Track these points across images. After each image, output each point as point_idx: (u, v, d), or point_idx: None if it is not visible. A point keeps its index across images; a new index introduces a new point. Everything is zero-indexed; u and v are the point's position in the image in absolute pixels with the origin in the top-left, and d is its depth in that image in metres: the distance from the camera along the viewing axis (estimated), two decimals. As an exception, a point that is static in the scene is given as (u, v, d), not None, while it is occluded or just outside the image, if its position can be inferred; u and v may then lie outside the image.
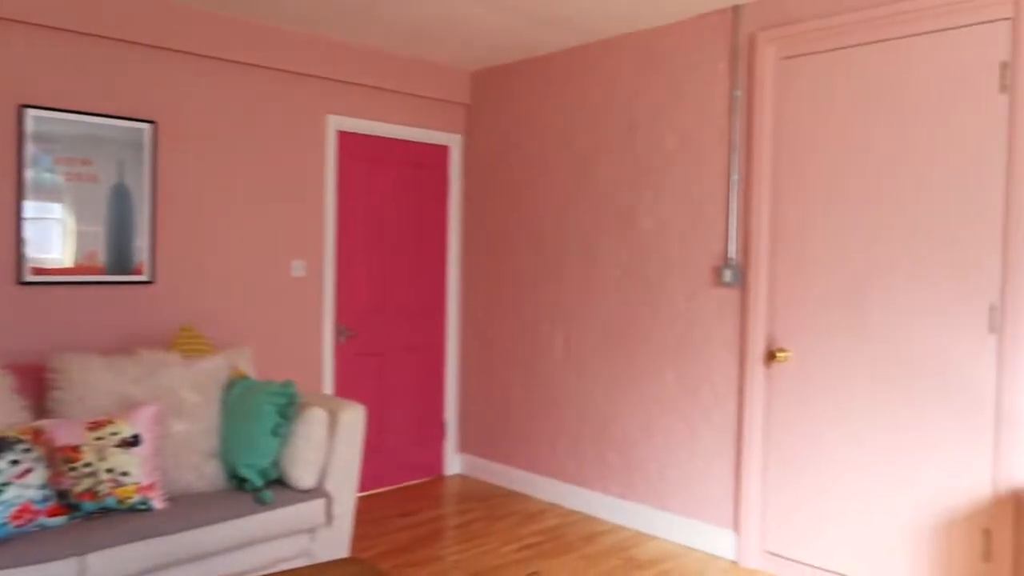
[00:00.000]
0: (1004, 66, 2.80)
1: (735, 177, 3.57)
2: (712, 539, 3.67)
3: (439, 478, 4.87)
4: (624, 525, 4.05)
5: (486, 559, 3.57)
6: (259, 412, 3.01)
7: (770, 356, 3.46)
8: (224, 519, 2.80)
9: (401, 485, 4.72)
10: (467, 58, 4.56)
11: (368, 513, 4.19)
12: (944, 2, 2.91)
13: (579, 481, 4.28)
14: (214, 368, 3.14)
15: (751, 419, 3.50)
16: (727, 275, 3.57)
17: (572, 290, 4.30)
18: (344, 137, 4.38)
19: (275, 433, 3.00)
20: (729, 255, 3.59)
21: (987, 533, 2.86)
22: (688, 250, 3.76)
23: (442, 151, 4.87)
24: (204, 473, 2.98)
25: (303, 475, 3.03)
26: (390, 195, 4.62)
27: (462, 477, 4.90)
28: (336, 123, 4.31)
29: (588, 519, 4.15)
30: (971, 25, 2.88)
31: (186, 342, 3.36)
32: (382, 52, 4.41)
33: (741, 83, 3.55)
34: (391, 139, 4.60)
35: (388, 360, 4.64)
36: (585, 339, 4.24)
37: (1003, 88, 2.81)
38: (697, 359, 3.73)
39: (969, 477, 2.89)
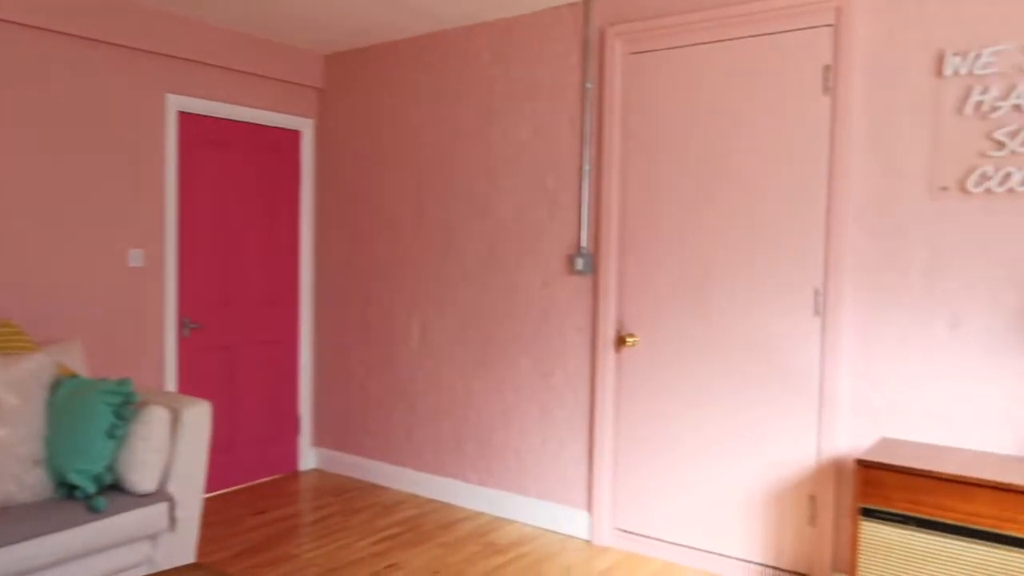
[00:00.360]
0: (827, 69, 3.04)
1: (587, 168, 3.66)
2: (567, 520, 3.78)
3: (294, 474, 4.73)
4: (482, 511, 4.09)
5: (342, 554, 3.50)
6: (91, 413, 2.79)
7: (620, 341, 3.59)
8: (50, 531, 2.57)
9: (254, 483, 4.53)
10: (321, 40, 4.41)
11: (218, 515, 4.00)
12: (774, 7, 3.11)
13: (437, 470, 4.28)
14: (36, 367, 2.87)
15: (602, 402, 3.62)
16: (579, 263, 3.67)
17: (429, 278, 4.28)
18: (186, 119, 4.13)
19: (110, 435, 2.79)
20: (582, 244, 3.69)
21: (812, 499, 3.11)
22: (543, 239, 3.84)
23: (294, 136, 4.70)
24: (26, 483, 2.73)
25: (142, 478, 2.84)
26: (238, 181, 4.40)
27: (318, 472, 4.77)
28: (177, 103, 4.05)
29: (446, 507, 4.16)
30: (798, 30, 3.09)
31: (3, 339, 3.06)
32: (229, 30, 4.18)
33: (592, 76, 3.65)
34: (239, 122, 4.38)
35: (237, 353, 4.44)
36: (443, 327, 4.24)
37: (826, 90, 3.04)
38: (551, 345, 3.82)
39: (797, 448, 3.13)
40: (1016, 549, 2.33)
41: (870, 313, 2.98)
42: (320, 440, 4.83)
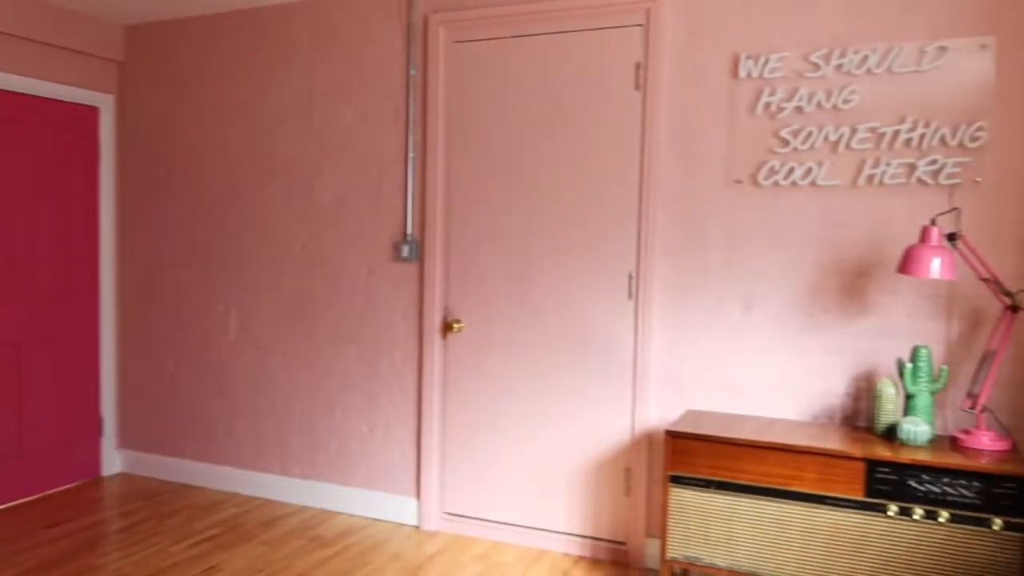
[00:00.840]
0: (638, 66, 3.23)
1: (412, 155, 3.66)
2: (396, 508, 3.77)
3: (96, 480, 4.35)
4: (308, 505, 3.98)
5: (155, 561, 3.28)
6: None
7: (446, 327, 3.62)
8: None
9: (48, 493, 4.13)
10: (121, 9, 4.06)
11: (5, 530, 3.60)
12: (588, 5, 3.26)
13: (259, 466, 4.12)
14: None
15: (429, 388, 3.64)
16: (405, 250, 3.66)
17: (248, 267, 4.09)
18: (-43, 87, 3.66)
19: None
20: (408, 231, 3.68)
21: (628, 471, 3.32)
22: (368, 226, 3.78)
23: (91, 113, 4.30)
24: None
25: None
26: (25, 160, 3.97)
27: (125, 476, 4.42)
28: (-55, 69, 3.59)
29: (269, 504, 4.01)
30: (612, 28, 3.26)
31: None
32: (7, -10, 3.75)
33: (417, 62, 3.64)
34: (26, 95, 3.94)
35: (24, 352, 4.01)
36: (263, 318, 4.07)
37: (637, 86, 3.23)
38: (377, 333, 3.78)
39: (615, 424, 3.32)
40: (800, 503, 2.62)
41: (678, 295, 3.21)
42: (126, 442, 4.49)
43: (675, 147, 3.19)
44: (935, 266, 2.48)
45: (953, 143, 2.78)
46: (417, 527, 3.72)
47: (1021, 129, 2.71)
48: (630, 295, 3.27)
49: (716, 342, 3.16)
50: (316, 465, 3.97)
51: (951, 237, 2.56)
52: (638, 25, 3.21)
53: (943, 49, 2.78)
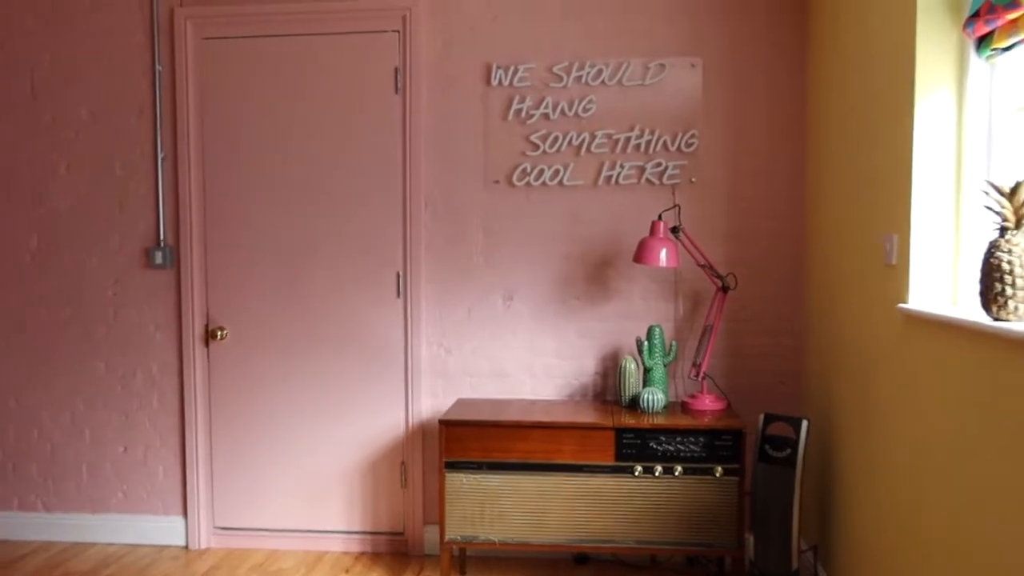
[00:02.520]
0: (397, 71, 3.33)
1: (162, 155, 3.46)
2: (161, 530, 3.55)
3: None
4: (54, 540, 3.61)
5: None
6: None
7: (209, 335, 3.48)
8: None
9: None
10: None
11: None
12: (346, 8, 3.31)
13: (-10, 504, 3.66)
14: None
15: (192, 400, 3.48)
16: (158, 257, 3.45)
17: (-35, 281, 3.61)
18: None
19: None
20: (161, 237, 3.47)
21: (404, 464, 3.42)
22: (114, 232, 3.51)
23: None
24: None
25: None
26: None
27: None
28: None
29: (4, 545, 3.58)
30: (371, 32, 3.33)
31: None
32: None
33: (164, 58, 3.44)
34: None
35: None
36: (-13, 338, 3.62)
37: (397, 90, 3.33)
38: (130, 345, 3.53)
39: (389, 420, 3.41)
40: (562, 473, 2.89)
41: (444, 291, 3.37)
42: None
43: (436, 149, 3.35)
44: (663, 255, 2.86)
45: (673, 148, 3.22)
46: (186, 547, 3.53)
47: (722, 138, 3.20)
48: (399, 293, 3.38)
49: (482, 333, 3.37)
50: (62, 495, 3.61)
51: (674, 230, 2.98)
52: (395, 31, 3.32)
53: (663, 66, 3.20)
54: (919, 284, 2.08)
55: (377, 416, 3.42)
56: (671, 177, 3.22)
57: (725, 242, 3.21)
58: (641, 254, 2.90)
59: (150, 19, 3.44)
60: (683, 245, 3.03)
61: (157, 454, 3.55)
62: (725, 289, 3.00)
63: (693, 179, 3.21)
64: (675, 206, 3.05)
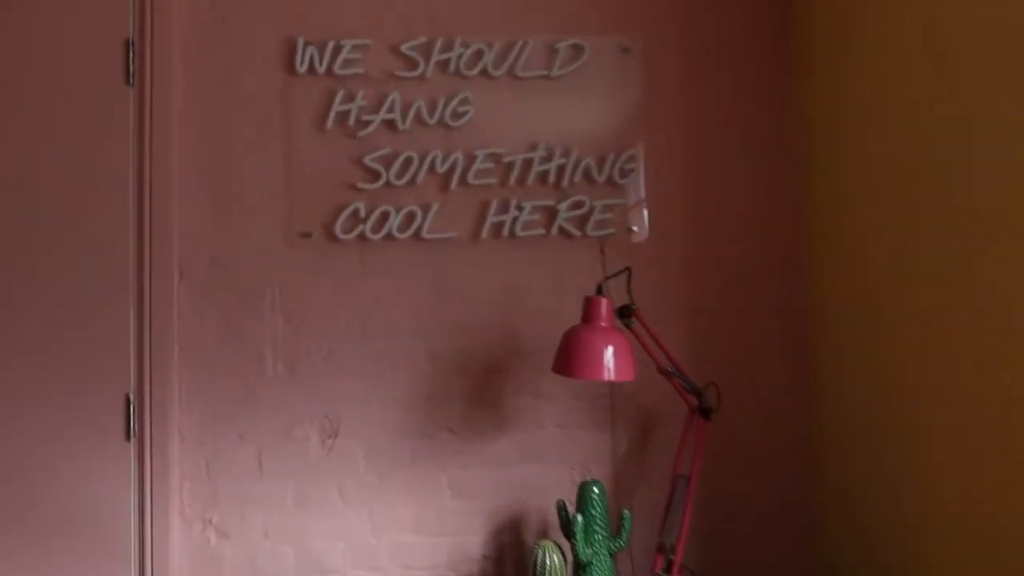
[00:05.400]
0: (129, 47, 1.92)
1: None
2: None
3: None
4: None
5: None
6: None
7: None
8: None
9: None
10: None
11: None
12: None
13: None
14: None
15: None
16: None
17: None
18: None
19: None
20: None
21: None
22: None
23: None
24: None
25: None
26: None
27: None
28: None
29: None
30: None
31: None
32: None
33: None
34: None
35: None
36: None
37: (129, 79, 1.91)
38: None
39: (108, 670, 1.84)
40: None
41: (213, 424, 1.90)
42: None
43: (201, 179, 1.94)
44: (609, 361, 1.55)
45: (601, 178, 1.97)
46: None
47: (680, 160, 2.00)
48: (130, 433, 1.87)
49: (282, 497, 1.91)
50: None
51: (624, 312, 1.68)
52: (128, -17, 1.92)
53: (578, 48, 1.98)
54: None
55: (86, 663, 1.85)
56: (600, 225, 1.96)
57: (690, 329, 1.97)
58: (570, 361, 1.58)
59: None
60: (636, 336, 1.73)
61: None
62: (705, 412, 1.73)
63: (634, 227, 1.98)
64: (625, 270, 1.74)
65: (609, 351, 1.55)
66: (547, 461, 1.94)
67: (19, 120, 1.88)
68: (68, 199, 1.87)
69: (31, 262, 1.85)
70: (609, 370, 1.53)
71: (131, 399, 1.87)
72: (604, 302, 1.61)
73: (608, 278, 1.69)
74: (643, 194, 1.98)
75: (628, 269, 1.70)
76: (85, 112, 1.89)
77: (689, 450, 1.74)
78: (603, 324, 1.60)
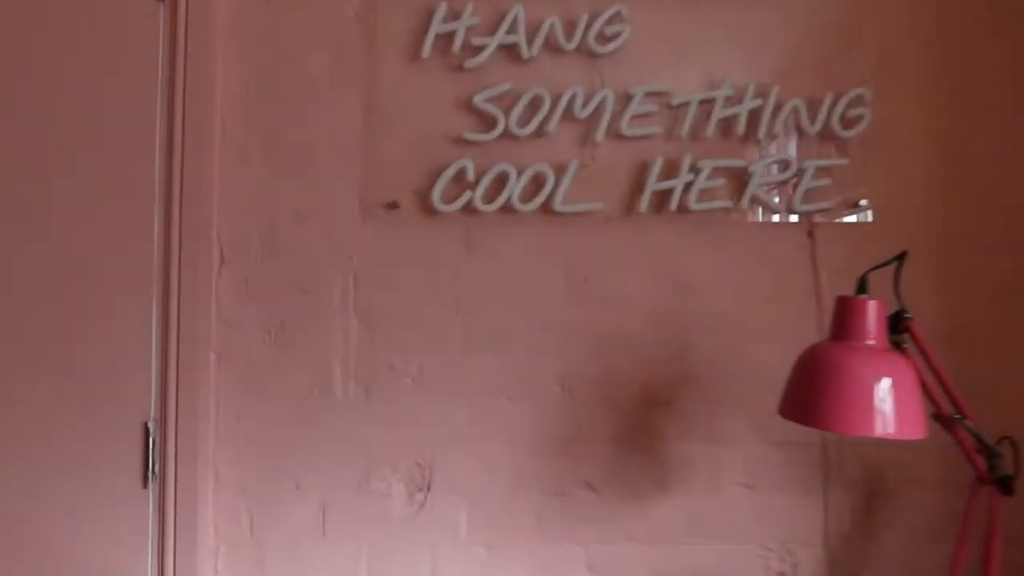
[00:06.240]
0: (158, -55, 1.40)
1: None
2: None
3: None
4: None
5: None
6: None
7: None
8: None
9: None
10: None
11: None
12: None
13: None
14: None
15: None
16: None
17: None
18: None
19: None
20: None
21: None
22: None
23: None
24: None
25: None
26: None
27: None
28: None
29: None
30: None
31: None
32: None
33: None
34: None
35: None
36: None
37: None
38: None
39: None
40: None
41: (259, 465, 1.38)
42: None
43: (248, 129, 1.41)
44: (885, 404, 0.94)
45: (813, 128, 1.36)
46: None
47: (931, 104, 1.37)
48: (148, 477, 1.36)
49: (353, 568, 1.37)
50: None
51: (896, 322, 1.06)
52: None
53: (782, -59, 1.38)
54: None
55: None
56: (810, 196, 1.35)
57: (941, 353, 1.34)
58: (815, 401, 0.97)
59: None
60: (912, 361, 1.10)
61: None
62: (1005, 483, 1.10)
63: (863, 201, 1.36)
64: (899, 257, 1.10)
65: (884, 388, 0.94)
66: (729, 538, 1.35)
67: (24, 48, 1.38)
68: (75, 147, 1.36)
69: (18, 233, 1.35)
70: (886, 421, 0.92)
71: (150, 429, 1.35)
72: (873, 306, 1.00)
73: (876, 267, 1.06)
74: (878, 151, 1.36)
75: (903, 255, 1.07)
76: (104, 34, 1.38)
77: (977, 537, 1.12)
78: (870, 343, 0.99)
